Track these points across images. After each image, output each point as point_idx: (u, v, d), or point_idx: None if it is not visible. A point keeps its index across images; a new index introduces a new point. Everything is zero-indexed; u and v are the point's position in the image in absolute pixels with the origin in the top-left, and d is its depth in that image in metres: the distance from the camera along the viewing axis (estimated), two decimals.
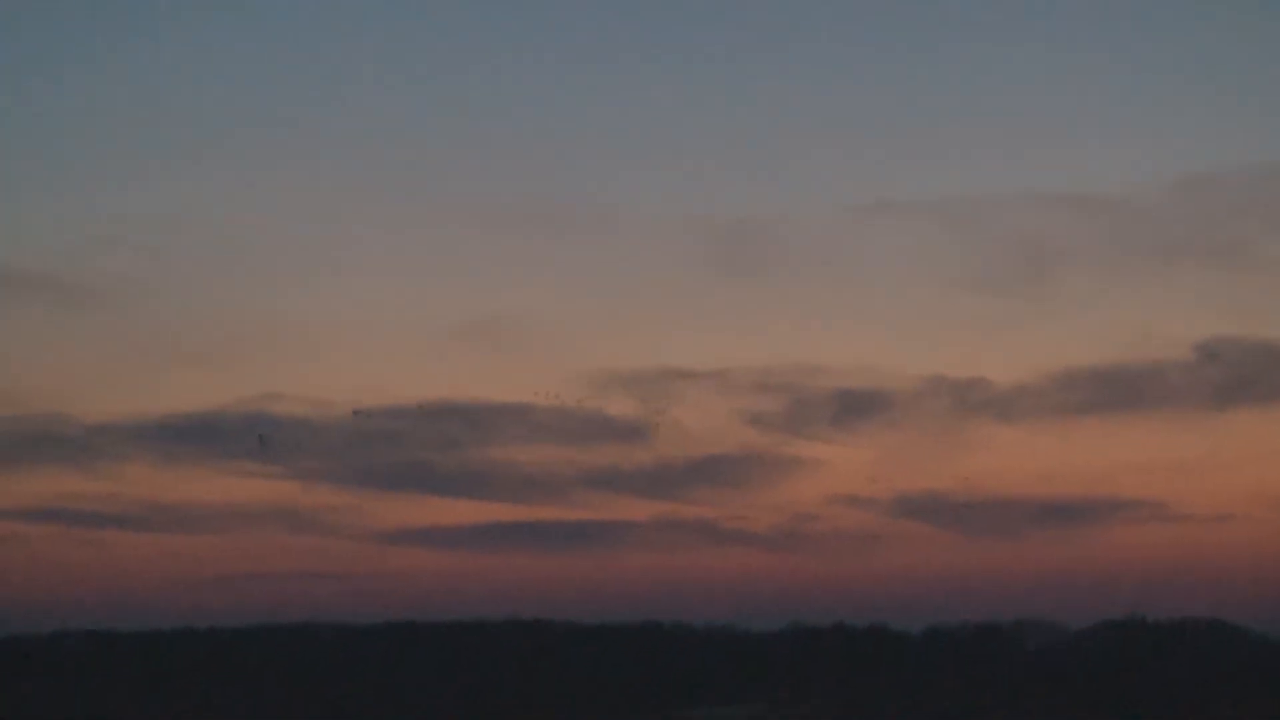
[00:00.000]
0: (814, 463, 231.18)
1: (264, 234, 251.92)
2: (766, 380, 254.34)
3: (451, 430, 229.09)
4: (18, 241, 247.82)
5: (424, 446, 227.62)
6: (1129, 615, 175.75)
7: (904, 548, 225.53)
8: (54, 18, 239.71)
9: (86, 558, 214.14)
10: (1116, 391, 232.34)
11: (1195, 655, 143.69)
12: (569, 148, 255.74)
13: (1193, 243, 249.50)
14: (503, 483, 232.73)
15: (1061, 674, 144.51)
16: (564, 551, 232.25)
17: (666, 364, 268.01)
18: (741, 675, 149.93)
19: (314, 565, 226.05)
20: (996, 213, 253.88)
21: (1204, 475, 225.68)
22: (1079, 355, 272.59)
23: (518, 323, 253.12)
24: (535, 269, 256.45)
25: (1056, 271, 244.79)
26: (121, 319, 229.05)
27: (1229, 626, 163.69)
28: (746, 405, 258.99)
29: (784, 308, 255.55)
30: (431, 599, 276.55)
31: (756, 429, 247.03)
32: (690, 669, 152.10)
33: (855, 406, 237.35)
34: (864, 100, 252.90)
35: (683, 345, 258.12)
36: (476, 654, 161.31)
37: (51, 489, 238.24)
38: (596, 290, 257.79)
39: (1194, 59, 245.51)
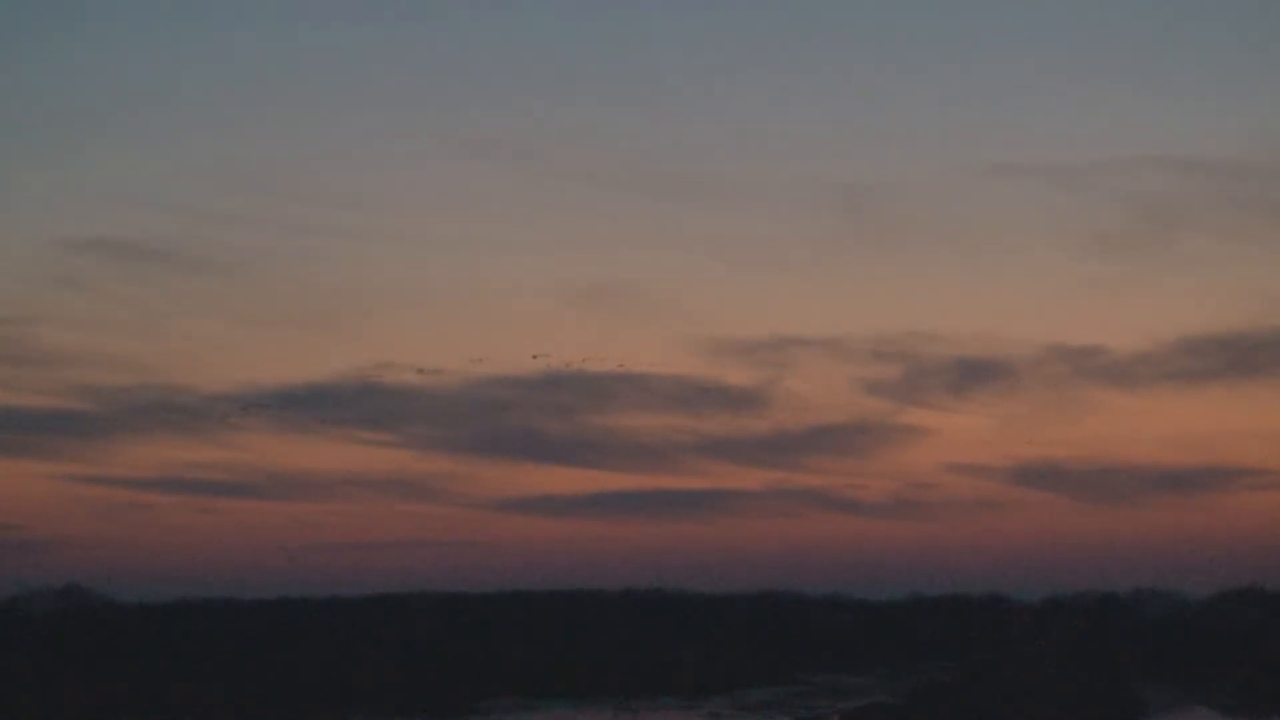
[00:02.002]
0: (930, 431, 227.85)
1: (377, 205, 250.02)
2: (882, 348, 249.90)
3: (566, 398, 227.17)
4: (137, 216, 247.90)
5: (538, 414, 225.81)
6: (1249, 585, 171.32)
7: (1021, 516, 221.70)
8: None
9: (206, 525, 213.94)
10: (1237, 358, 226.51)
11: None
12: (685, 115, 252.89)
13: None
14: (617, 451, 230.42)
15: (1180, 643, 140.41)
16: (679, 520, 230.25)
17: (782, 332, 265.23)
18: (860, 643, 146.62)
19: (428, 533, 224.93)
20: (1114, 176, 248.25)
21: None
22: (1199, 322, 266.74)
23: (633, 290, 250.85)
24: (650, 236, 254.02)
25: (1176, 236, 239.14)
26: (237, 291, 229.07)
27: None
28: (862, 373, 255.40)
29: (900, 274, 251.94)
30: (545, 567, 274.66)
31: (872, 397, 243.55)
32: (807, 637, 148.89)
33: (972, 374, 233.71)
34: (979, 66, 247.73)
35: (798, 312, 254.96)
36: (592, 623, 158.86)
37: (170, 457, 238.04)
38: (711, 257, 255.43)
39: None
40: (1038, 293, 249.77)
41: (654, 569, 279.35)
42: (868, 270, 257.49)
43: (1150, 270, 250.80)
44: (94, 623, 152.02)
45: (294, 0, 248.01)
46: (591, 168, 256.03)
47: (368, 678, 79.71)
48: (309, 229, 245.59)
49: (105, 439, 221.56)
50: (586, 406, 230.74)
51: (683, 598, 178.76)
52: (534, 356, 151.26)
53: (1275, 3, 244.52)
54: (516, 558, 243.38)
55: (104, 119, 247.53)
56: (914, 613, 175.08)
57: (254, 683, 77.07)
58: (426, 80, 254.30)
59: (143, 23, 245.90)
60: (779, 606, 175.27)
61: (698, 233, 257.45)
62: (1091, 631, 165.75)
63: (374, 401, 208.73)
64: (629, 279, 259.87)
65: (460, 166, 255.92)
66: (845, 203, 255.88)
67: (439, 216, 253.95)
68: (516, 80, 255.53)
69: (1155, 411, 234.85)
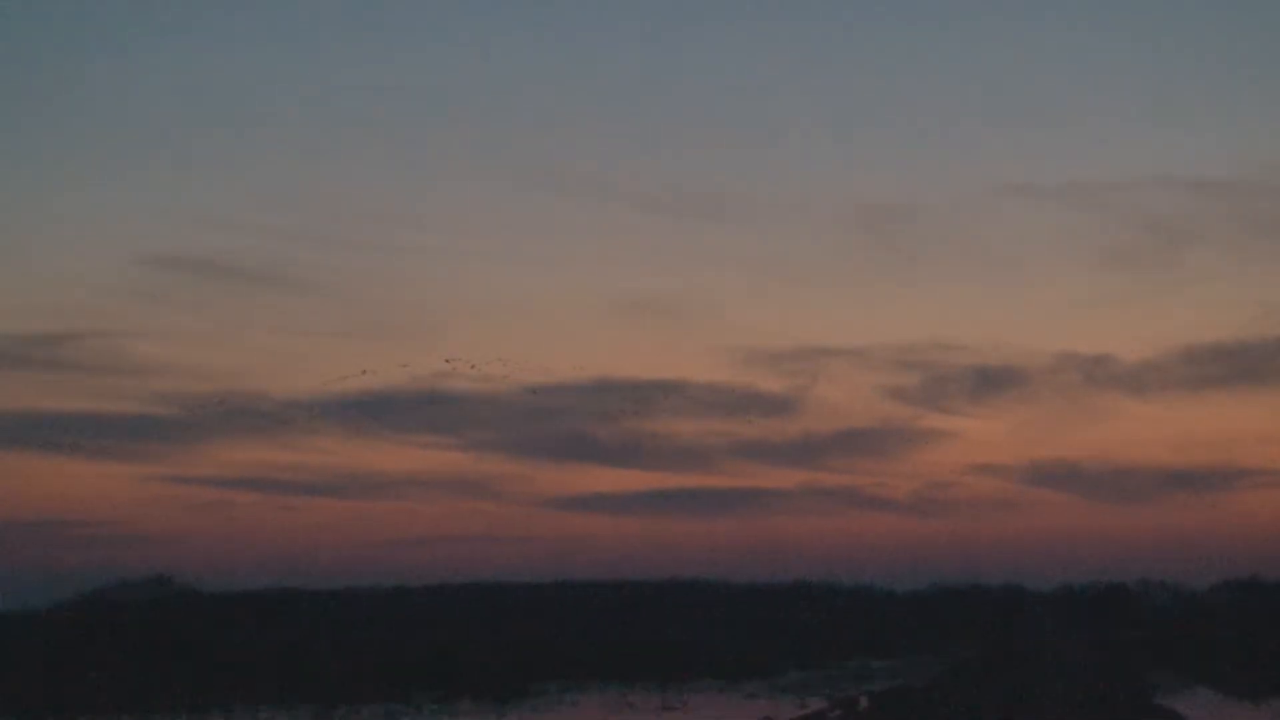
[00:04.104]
0: (950, 434, 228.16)
1: (439, 226, 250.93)
2: (905, 357, 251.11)
3: (613, 404, 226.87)
4: (215, 236, 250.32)
5: (588, 419, 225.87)
6: (1250, 577, 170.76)
7: (1036, 513, 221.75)
8: (238, 18, 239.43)
9: (281, 521, 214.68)
10: (1239, 366, 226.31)
11: None
12: (724, 144, 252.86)
13: None
14: (660, 453, 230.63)
15: (1185, 630, 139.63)
16: (718, 516, 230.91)
17: (812, 343, 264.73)
18: (886, 630, 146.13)
19: (488, 529, 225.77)
20: (1124, 196, 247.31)
21: None
22: (1203, 332, 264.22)
23: (675, 304, 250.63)
24: (690, 255, 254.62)
25: (1181, 252, 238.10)
26: (308, 305, 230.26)
27: None
28: (886, 380, 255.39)
29: (921, 289, 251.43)
30: (595, 560, 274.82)
31: (896, 402, 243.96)
32: (837, 624, 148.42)
33: (989, 381, 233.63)
34: (995, 94, 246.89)
35: (827, 324, 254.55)
36: (638, 611, 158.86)
37: (248, 459, 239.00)
38: (746, 274, 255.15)
39: None
40: (1051, 305, 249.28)
41: (695, 561, 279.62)
42: (891, 285, 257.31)
43: (1157, 284, 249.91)
44: (179, 610, 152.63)
45: (353, 40, 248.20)
46: (637, 192, 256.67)
47: (430, 661, 79.79)
48: (375, 248, 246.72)
49: (187, 442, 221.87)
50: (631, 412, 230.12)
51: (722, 587, 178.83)
52: (453, 360, 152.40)
53: (1275, 38, 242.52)
54: (568, 551, 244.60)
55: (184, 145, 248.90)
56: (936, 602, 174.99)
57: (324, 665, 77.31)
58: (483, 112, 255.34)
59: (222, 58, 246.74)
60: (811, 596, 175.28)
61: (734, 252, 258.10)
62: (1102, 619, 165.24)
63: (437, 408, 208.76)
64: (671, 294, 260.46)
65: (515, 191, 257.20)
66: (870, 223, 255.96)
67: (495, 237, 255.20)
68: (568, 112, 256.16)
69: (1162, 416, 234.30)
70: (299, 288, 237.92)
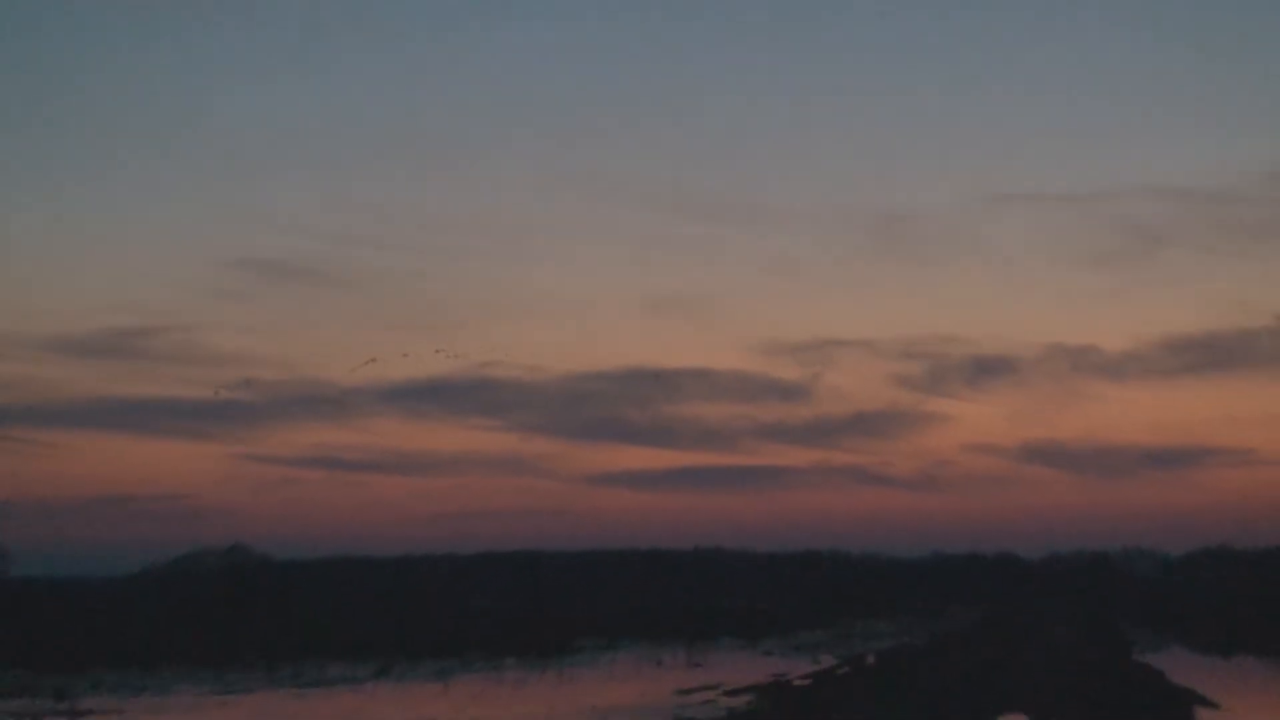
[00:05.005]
0: (949, 417, 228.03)
1: (487, 230, 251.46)
2: (909, 348, 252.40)
3: (644, 390, 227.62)
4: (286, 239, 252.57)
5: (622, 404, 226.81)
6: (1220, 545, 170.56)
7: (1027, 488, 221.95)
8: (310, 42, 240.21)
9: (346, 495, 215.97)
10: (1211, 355, 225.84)
11: (1277, 580, 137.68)
12: (745, 153, 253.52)
13: (1278, 227, 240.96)
14: (687, 434, 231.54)
15: (1161, 593, 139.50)
16: (738, 491, 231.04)
17: (824, 335, 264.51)
18: (891, 594, 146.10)
19: (531, 503, 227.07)
20: (1108, 203, 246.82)
21: None
22: (1178, 325, 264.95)
23: (700, 300, 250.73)
24: (714, 255, 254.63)
25: (1158, 254, 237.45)
26: (370, 302, 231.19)
27: None
28: (892, 369, 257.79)
29: (924, 286, 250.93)
30: (628, 531, 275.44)
31: (900, 389, 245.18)
32: (846, 589, 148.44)
33: (985, 370, 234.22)
34: (991, 111, 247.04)
35: (838, 319, 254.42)
36: (665, 577, 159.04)
37: (315, 440, 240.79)
38: (765, 273, 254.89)
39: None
40: (1041, 301, 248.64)
41: (718, 532, 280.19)
42: (896, 283, 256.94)
43: (1137, 282, 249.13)
44: (253, 575, 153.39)
45: (411, 60, 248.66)
46: (665, 197, 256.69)
47: (478, 623, 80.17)
48: (430, 250, 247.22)
49: (261, 425, 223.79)
50: (660, 397, 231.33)
51: (742, 556, 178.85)
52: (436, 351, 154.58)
53: (1255, 52, 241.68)
54: (604, 523, 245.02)
55: (257, 157, 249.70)
56: (937, 569, 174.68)
57: (383, 625, 77.68)
58: (530, 127, 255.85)
59: (293, 78, 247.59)
60: (823, 563, 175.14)
61: (754, 252, 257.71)
62: (1087, 583, 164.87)
63: (485, 394, 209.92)
64: (697, 291, 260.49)
65: (557, 198, 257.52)
66: (877, 227, 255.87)
67: (538, 239, 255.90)
68: (606, 127, 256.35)
69: (1141, 400, 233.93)
70: (362, 287, 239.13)
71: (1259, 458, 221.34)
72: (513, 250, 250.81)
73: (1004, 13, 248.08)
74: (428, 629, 73.17)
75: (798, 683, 46.32)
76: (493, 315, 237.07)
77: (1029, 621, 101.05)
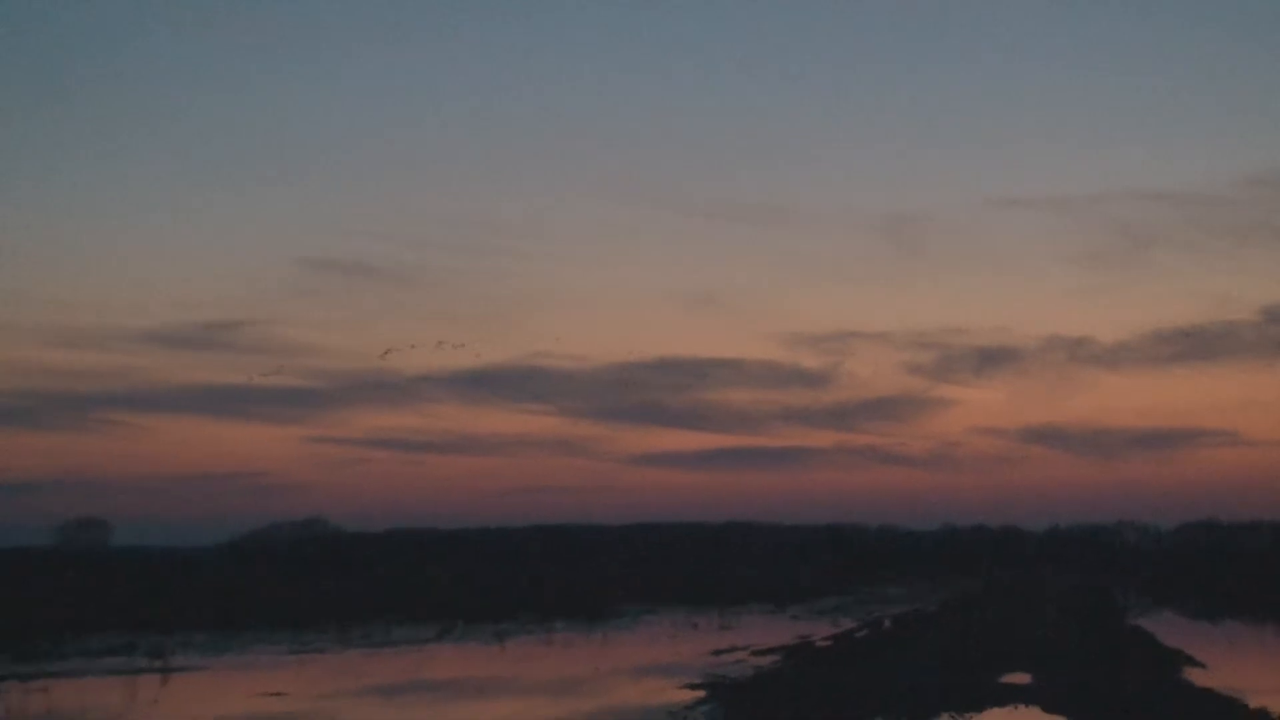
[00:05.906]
0: (958, 402, 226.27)
1: (536, 232, 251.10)
2: (921, 339, 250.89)
3: (680, 378, 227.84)
4: (354, 240, 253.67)
5: (660, 390, 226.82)
6: (1206, 519, 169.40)
7: (1029, 467, 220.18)
8: (388, 51, 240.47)
9: (409, 474, 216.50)
10: (1197, 346, 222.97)
11: (1259, 551, 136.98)
12: (770, 159, 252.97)
13: (1260, 227, 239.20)
14: (719, 418, 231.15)
15: (1153, 563, 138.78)
16: (766, 470, 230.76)
17: (844, 327, 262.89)
18: (904, 563, 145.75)
19: (578, 481, 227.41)
20: (1101, 206, 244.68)
21: (1267, 410, 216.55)
22: (1167, 318, 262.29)
23: (730, 295, 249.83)
24: (742, 254, 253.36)
25: (1149, 252, 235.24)
26: (431, 298, 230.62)
27: None
28: (905, 358, 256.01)
29: (934, 283, 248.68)
30: (666, 506, 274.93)
31: (913, 376, 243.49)
32: (864, 559, 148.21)
33: (990, 359, 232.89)
34: (994, 119, 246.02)
35: (856, 312, 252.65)
36: (699, 548, 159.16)
37: (384, 423, 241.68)
38: (790, 270, 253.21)
39: (1265, 73, 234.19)
40: (1041, 296, 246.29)
41: (748, 507, 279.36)
42: (909, 280, 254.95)
43: (1129, 279, 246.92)
44: (327, 547, 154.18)
45: (469, 75, 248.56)
46: (700, 202, 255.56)
47: (530, 589, 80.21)
48: (485, 251, 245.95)
49: (333, 409, 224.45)
50: (695, 384, 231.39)
51: (769, 529, 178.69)
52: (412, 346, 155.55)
53: (1236, 66, 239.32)
54: (644, 499, 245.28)
55: (334, 162, 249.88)
56: (946, 540, 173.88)
57: (444, 590, 77.77)
58: (577, 137, 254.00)
59: (368, 86, 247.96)
60: (843, 535, 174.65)
61: (779, 251, 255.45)
62: (1084, 554, 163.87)
63: (536, 381, 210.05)
64: (728, 287, 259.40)
65: (601, 202, 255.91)
66: (893, 228, 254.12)
67: (581, 241, 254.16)
68: (646, 136, 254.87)
69: (1133, 387, 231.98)
70: (424, 284, 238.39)
71: (1242, 439, 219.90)
72: (561, 252, 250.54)
73: (1010, 23, 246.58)
74: (485, 595, 73.25)
75: (820, 644, 46.22)
76: (544, 310, 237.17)
77: (1031, 588, 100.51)
